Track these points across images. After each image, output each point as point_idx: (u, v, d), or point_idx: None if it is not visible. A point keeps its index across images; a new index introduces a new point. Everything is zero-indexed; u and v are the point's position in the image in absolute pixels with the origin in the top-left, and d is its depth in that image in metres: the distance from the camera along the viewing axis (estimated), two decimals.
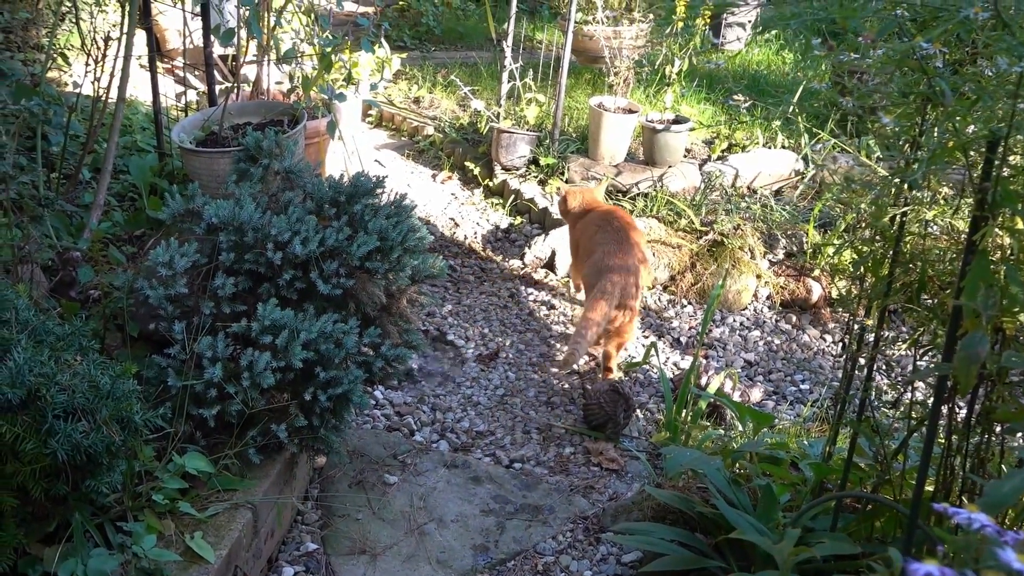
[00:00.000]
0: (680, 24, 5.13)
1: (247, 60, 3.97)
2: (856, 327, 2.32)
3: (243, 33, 3.92)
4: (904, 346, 2.24)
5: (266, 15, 3.78)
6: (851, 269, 2.26)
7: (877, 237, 2.23)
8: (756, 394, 3.75)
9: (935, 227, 2.25)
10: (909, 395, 2.28)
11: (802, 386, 3.98)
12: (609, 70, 5.38)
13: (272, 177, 3.05)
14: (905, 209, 2.12)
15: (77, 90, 4.11)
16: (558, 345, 4.11)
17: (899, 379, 2.45)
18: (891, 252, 2.16)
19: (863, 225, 2.30)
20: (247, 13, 3.47)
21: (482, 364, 3.92)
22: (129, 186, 4.20)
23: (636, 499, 2.95)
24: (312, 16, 3.98)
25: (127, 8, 3.72)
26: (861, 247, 2.30)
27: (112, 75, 3.77)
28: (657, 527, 2.64)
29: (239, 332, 2.64)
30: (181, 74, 6.21)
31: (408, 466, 3.17)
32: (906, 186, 2.07)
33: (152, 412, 2.25)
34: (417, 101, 6.49)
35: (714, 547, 2.52)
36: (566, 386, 3.81)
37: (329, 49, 3.46)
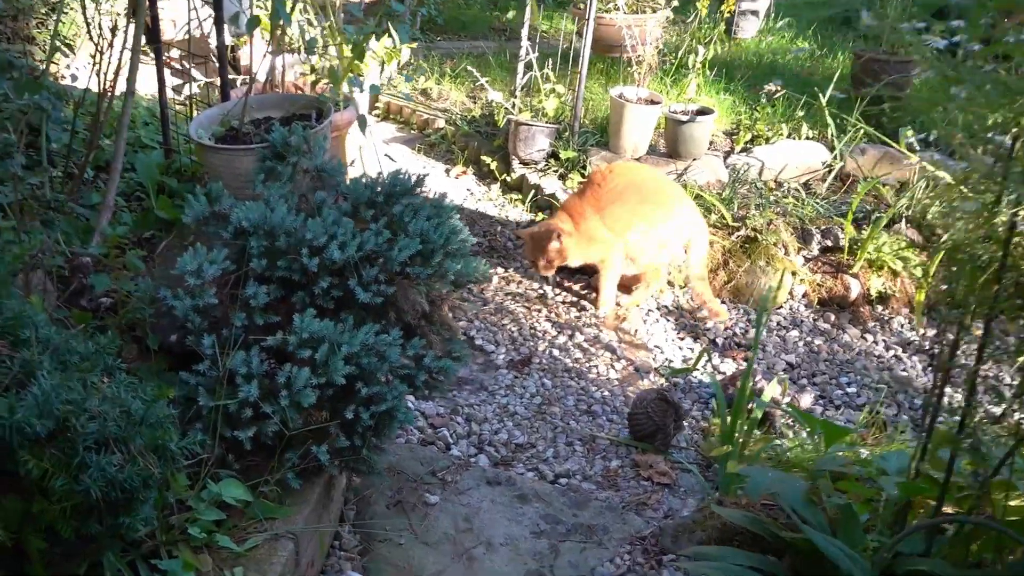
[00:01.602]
0: (704, 11, 4.93)
1: (270, 51, 3.72)
2: (951, 335, 2.14)
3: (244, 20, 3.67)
4: (1022, 359, 2.06)
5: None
6: (944, 274, 2.08)
7: (981, 238, 2.04)
8: (806, 399, 3.56)
9: None
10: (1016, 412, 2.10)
11: (848, 389, 3.79)
12: (632, 59, 5.16)
13: (301, 176, 2.83)
14: (1017, 209, 1.93)
15: (74, 83, 3.87)
16: (593, 349, 3.90)
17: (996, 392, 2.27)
18: (1001, 256, 1.97)
19: (964, 226, 2.11)
20: None
21: (515, 371, 3.71)
22: (135, 185, 3.96)
23: (697, 518, 2.75)
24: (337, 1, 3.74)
25: None
26: (955, 252, 2.11)
27: (119, 67, 3.53)
28: (730, 551, 2.45)
29: (274, 346, 2.42)
30: (177, 66, 5.95)
31: (448, 484, 2.96)
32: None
33: (187, 439, 2.03)
34: (425, 93, 6.25)
35: (792, 572, 2.34)
36: (606, 393, 3.61)
37: (361, 38, 3.22)
